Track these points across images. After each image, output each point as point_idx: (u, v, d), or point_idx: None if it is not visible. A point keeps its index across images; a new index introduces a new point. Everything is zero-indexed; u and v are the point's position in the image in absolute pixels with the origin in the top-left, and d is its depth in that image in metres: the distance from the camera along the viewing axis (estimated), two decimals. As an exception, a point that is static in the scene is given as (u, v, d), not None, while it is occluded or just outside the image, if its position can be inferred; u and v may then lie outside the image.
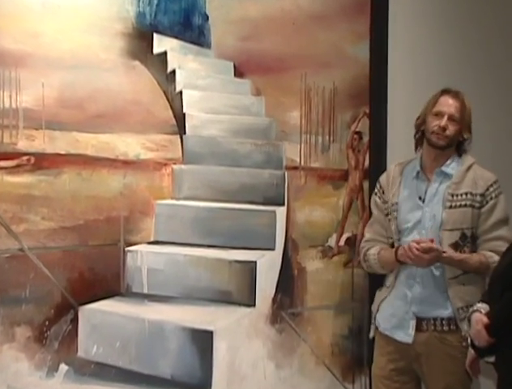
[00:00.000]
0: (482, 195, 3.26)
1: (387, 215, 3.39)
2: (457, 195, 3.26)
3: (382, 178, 3.48)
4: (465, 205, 3.26)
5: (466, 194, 3.26)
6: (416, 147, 3.40)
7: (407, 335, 3.28)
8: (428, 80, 3.82)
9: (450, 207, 3.26)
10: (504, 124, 4.22)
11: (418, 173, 3.34)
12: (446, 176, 3.30)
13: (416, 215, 3.30)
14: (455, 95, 3.29)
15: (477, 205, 3.26)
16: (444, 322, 3.26)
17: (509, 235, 3.27)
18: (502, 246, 3.18)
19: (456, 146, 3.33)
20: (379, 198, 3.46)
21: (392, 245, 3.37)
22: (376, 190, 3.49)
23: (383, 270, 3.42)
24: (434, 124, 3.26)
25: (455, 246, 3.25)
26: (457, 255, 3.23)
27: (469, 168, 3.31)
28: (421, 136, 3.37)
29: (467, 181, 3.28)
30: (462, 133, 3.29)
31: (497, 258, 3.18)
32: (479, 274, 3.27)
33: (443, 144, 3.27)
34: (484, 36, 4.18)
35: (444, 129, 3.24)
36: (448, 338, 3.26)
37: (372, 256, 3.42)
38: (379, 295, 3.44)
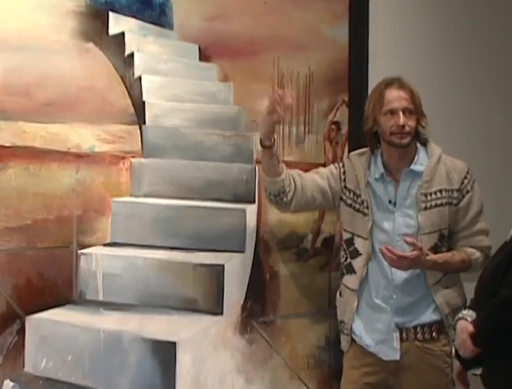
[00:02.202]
0: (458, 190, 3.26)
1: (353, 207, 3.32)
2: (430, 194, 3.24)
3: (347, 162, 3.39)
4: (441, 204, 3.25)
5: (440, 191, 3.25)
6: (373, 151, 3.33)
7: (392, 349, 3.25)
8: (412, 64, 3.85)
9: (425, 208, 3.24)
10: (488, 109, 4.28)
11: (382, 174, 3.29)
12: (416, 174, 3.27)
13: (387, 220, 3.27)
14: (400, 84, 3.23)
15: (454, 202, 3.26)
16: (425, 329, 3.26)
17: (486, 226, 3.32)
18: (483, 240, 3.30)
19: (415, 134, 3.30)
20: (337, 174, 3.35)
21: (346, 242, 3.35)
22: (337, 166, 3.39)
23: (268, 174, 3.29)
24: (390, 124, 3.20)
25: (434, 249, 3.24)
26: (440, 257, 3.22)
27: (438, 160, 3.28)
28: (374, 138, 3.31)
29: (438, 176, 3.26)
30: (419, 122, 3.26)
31: (478, 254, 3.27)
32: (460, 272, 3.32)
33: (407, 142, 3.23)
34: (471, 17, 4.24)
35: (403, 126, 3.20)
36: (430, 347, 3.26)
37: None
38: (346, 301, 3.37)
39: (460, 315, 2.95)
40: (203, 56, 3.39)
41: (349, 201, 3.34)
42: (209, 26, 3.39)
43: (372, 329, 3.30)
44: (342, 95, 3.79)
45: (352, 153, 3.45)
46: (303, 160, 3.66)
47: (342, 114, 3.79)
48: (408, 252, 3.13)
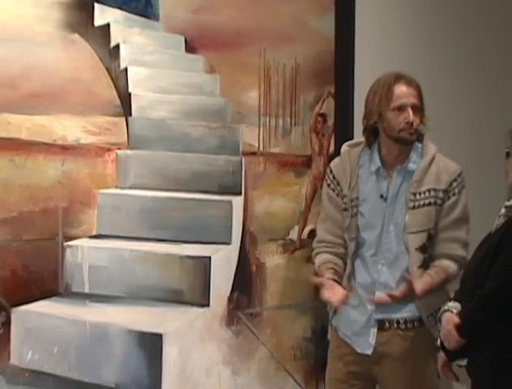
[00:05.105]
0: (445, 191, 3.24)
1: (345, 210, 3.35)
2: (419, 194, 3.24)
3: (336, 167, 3.39)
4: (429, 203, 3.24)
5: (429, 190, 3.24)
6: (370, 145, 3.33)
7: (367, 344, 3.26)
8: (398, 57, 3.84)
9: (413, 207, 3.23)
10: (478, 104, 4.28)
11: (378, 168, 3.30)
12: (408, 172, 3.27)
13: (378, 215, 3.27)
14: (408, 81, 3.23)
15: (439, 202, 3.24)
16: (408, 320, 3.26)
17: (465, 237, 3.27)
18: (457, 250, 3.24)
19: None
20: (333, 190, 3.38)
21: (344, 246, 3.35)
22: (329, 181, 3.40)
23: None
24: (399, 120, 3.20)
25: (422, 249, 3.23)
26: (422, 289, 3.17)
27: (432, 160, 3.27)
28: (373, 132, 3.31)
29: (429, 176, 3.25)
30: (422, 119, 3.26)
31: (453, 266, 3.23)
32: None
33: (415, 139, 3.25)
34: (457, 10, 4.21)
35: (412, 123, 3.20)
36: (412, 335, 3.25)
37: (316, 265, 3.39)
38: None
39: (446, 307, 2.97)
40: (189, 47, 3.37)
41: (344, 206, 3.34)
42: (195, 17, 3.38)
43: (351, 320, 3.31)
44: (328, 87, 3.78)
45: (345, 146, 3.46)
46: (289, 151, 3.67)
47: (328, 106, 3.78)
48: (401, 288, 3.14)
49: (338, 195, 3.35)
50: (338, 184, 3.35)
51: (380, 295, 3.17)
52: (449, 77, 4.04)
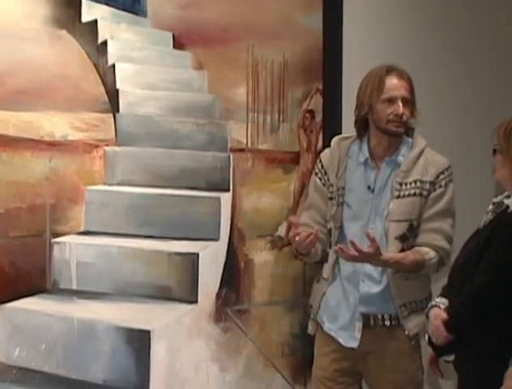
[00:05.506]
0: (432, 183, 3.26)
1: (331, 199, 3.36)
2: (405, 184, 3.26)
3: (325, 157, 3.43)
4: (414, 194, 3.25)
5: (415, 181, 3.26)
6: (360, 137, 3.35)
7: (352, 338, 3.28)
8: (386, 53, 3.84)
9: (398, 196, 3.26)
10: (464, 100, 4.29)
11: (367, 159, 3.31)
12: (397, 164, 3.29)
13: (364, 205, 3.29)
14: (400, 73, 3.26)
15: (425, 193, 3.26)
16: (392, 316, 3.28)
17: (449, 230, 3.28)
18: (439, 241, 3.25)
19: None
20: (320, 179, 3.42)
21: (329, 232, 3.36)
22: (317, 170, 3.44)
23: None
24: (388, 112, 3.23)
25: (402, 239, 3.25)
26: (391, 257, 3.19)
27: (420, 153, 3.30)
28: (364, 124, 3.33)
29: (417, 168, 3.28)
30: (412, 112, 3.29)
31: (432, 254, 3.22)
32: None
33: (402, 131, 3.27)
34: (445, 6, 4.23)
35: (401, 115, 3.22)
36: (397, 332, 3.28)
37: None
38: (318, 288, 3.42)
39: (433, 303, 2.99)
40: (177, 44, 3.36)
41: (329, 195, 3.37)
42: (183, 13, 3.36)
43: (336, 314, 3.33)
44: (316, 83, 3.78)
45: (336, 138, 3.47)
46: (277, 147, 3.67)
47: (316, 102, 3.78)
48: (365, 247, 3.10)
49: (324, 185, 3.39)
50: (325, 173, 3.39)
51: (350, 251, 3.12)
52: (436, 74, 4.05)
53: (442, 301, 2.96)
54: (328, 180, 3.37)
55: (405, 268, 3.22)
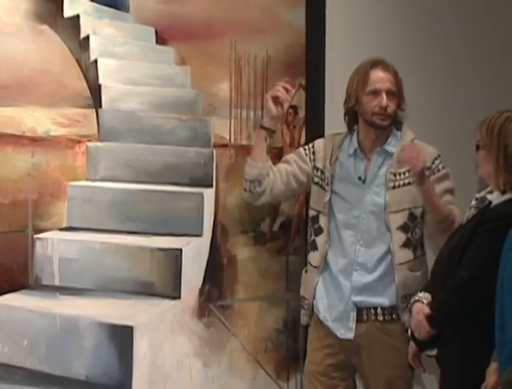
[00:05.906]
0: (429, 168, 3.25)
1: (316, 184, 3.35)
2: (399, 174, 3.28)
3: (318, 143, 3.43)
4: (409, 183, 3.27)
5: (409, 171, 3.26)
6: (350, 130, 3.37)
7: (347, 328, 3.29)
8: (369, 49, 3.81)
9: (394, 187, 3.27)
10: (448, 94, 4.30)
11: (356, 150, 3.33)
12: (388, 155, 3.31)
13: (356, 196, 3.30)
14: (385, 66, 3.29)
15: None
16: (386, 311, 3.28)
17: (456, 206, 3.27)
18: (455, 209, 3.23)
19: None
20: (306, 154, 3.41)
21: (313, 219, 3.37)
22: (306, 147, 3.45)
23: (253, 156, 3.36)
24: (373, 105, 3.25)
25: (405, 229, 3.26)
26: (437, 194, 3.18)
27: (411, 142, 3.31)
28: (353, 117, 3.35)
29: None
30: (400, 105, 3.31)
31: (457, 211, 3.20)
32: (438, 232, 3.24)
33: (387, 124, 3.29)
34: (429, 2, 4.24)
35: (385, 108, 3.24)
36: (390, 328, 3.29)
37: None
38: (309, 278, 3.41)
39: (416, 298, 2.99)
40: (160, 39, 3.36)
41: (316, 179, 3.38)
42: (165, 8, 3.37)
43: (331, 305, 3.33)
44: (299, 78, 3.77)
45: (329, 133, 3.50)
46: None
47: (299, 98, 3.77)
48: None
49: (306, 156, 3.40)
50: (313, 153, 3.40)
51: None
52: (419, 69, 4.05)
53: (425, 296, 2.96)
54: (312, 160, 3.38)
55: (440, 215, 3.19)
